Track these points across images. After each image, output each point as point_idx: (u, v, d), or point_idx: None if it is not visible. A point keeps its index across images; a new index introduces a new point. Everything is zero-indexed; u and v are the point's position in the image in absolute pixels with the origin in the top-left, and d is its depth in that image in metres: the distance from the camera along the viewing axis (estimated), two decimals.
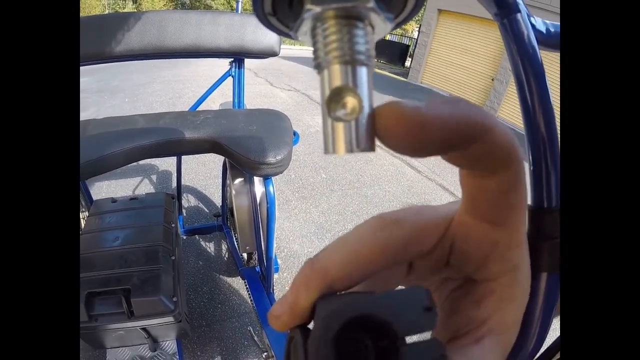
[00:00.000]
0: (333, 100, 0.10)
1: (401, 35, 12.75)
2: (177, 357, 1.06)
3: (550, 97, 0.17)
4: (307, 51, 11.73)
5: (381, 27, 0.11)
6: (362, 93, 0.10)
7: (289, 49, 12.14)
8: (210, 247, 1.96)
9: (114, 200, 1.20)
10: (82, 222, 1.33)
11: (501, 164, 0.12)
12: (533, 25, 0.19)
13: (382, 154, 3.51)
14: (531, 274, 0.15)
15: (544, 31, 0.20)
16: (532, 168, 0.16)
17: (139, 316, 0.86)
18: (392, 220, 0.13)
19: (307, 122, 4.17)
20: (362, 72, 0.10)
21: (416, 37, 9.10)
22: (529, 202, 0.16)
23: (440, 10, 7.70)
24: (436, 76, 8.09)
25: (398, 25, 0.12)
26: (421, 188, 3.00)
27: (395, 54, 10.95)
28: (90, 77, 5.08)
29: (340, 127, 0.10)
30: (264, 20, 0.11)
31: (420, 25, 8.86)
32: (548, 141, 0.16)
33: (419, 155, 0.10)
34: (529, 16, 0.19)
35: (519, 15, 0.18)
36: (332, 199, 2.60)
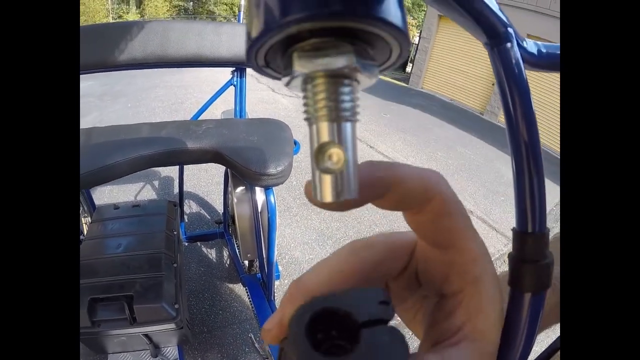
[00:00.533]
0: (320, 153, 0.11)
1: None
2: None
3: (537, 127, 0.17)
4: None
5: (366, 80, 0.12)
6: (346, 147, 0.11)
7: None
8: (211, 253, 1.96)
9: (116, 207, 1.21)
10: (85, 228, 1.34)
11: (421, 201, 0.14)
12: (524, 49, 0.19)
13: (376, 141, 3.52)
14: (515, 294, 0.16)
15: (535, 53, 0.21)
16: (516, 194, 0.16)
17: (141, 323, 0.87)
18: (364, 245, 0.16)
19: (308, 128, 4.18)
20: (347, 127, 0.11)
21: (417, 43, 9.15)
22: (514, 225, 0.17)
23: (440, 16, 7.75)
24: (437, 81, 8.12)
25: (383, 72, 0.13)
26: None
27: None
28: (94, 81, 5.11)
29: (327, 178, 0.11)
30: (259, 70, 0.12)
31: (420, 31, 8.90)
32: (534, 170, 0.16)
33: (344, 210, 0.13)
34: (519, 43, 0.19)
35: (508, 44, 0.19)
36: None
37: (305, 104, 0.12)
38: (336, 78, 0.11)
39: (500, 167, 3.83)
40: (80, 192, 1.37)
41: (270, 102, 5.09)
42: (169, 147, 0.87)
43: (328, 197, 0.11)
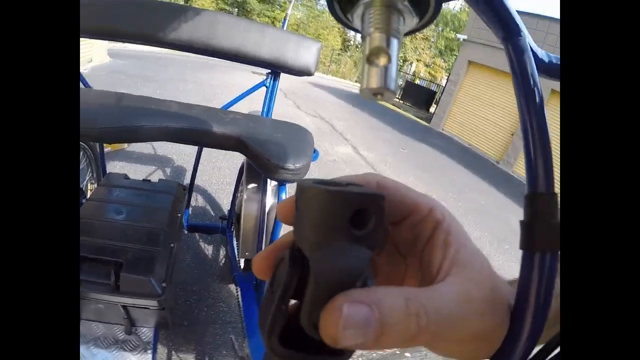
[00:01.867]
0: (372, 54, 0.15)
1: (430, 82, 13.05)
2: (151, 346, 1.00)
3: (543, 101, 0.19)
4: (337, 82, 11.97)
5: (409, 22, 0.16)
6: (392, 53, 0.15)
7: (321, 77, 12.45)
8: (209, 249, 1.95)
9: (126, 177, 1.21)
10: (89, 193, 1.34)
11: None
12: (535, 53, 0.21)
13: (391, 174, 3.51)
14: (527, 255, 0.17)
15: (546, 60, 0.23)
16: (526, 160, 0.18)
17: (124, 292, 0.83)
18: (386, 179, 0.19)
19: (326, 149, 4.19)
20: (394, 41, 0.15)
21: (444, 85, 9.27)
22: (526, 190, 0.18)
23: (470, 62, 7.89)
24: (458, 125, 8.17)
25: (419, 29, 0.18)
26: None
27: (422, 98, 11.17)
28: (128, 61, 5.18)
29: (374, 70, 0.15)
30: (331, 5, 0.17)
31: (449, 74, 9.05)
32: (539, 135, 0.18)
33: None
34: (531, 46, 0.21)
35: (520, 39, 0.21)
36: None
37: (362, 27, 0.16)
38: (389, 8, 0.16)
39: (509, 216, 3.77)
40: (94, 160, 1.39)
41: (293, 117, 5.18)
42: (194, 126, 0.89)
43: (374, 83, 0.15)
